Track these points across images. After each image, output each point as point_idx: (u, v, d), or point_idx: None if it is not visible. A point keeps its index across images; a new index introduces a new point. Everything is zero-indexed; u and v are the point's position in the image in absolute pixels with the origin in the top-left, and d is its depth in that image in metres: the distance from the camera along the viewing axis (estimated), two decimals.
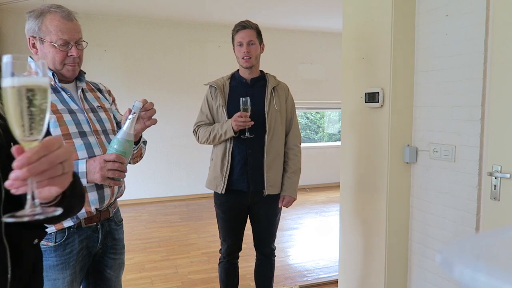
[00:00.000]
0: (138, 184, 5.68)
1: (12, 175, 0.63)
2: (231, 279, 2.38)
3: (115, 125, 1.59)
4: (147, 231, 4.52)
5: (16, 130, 0.64)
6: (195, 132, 2.27)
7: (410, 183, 2.20)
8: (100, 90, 1.63)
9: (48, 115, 0.66)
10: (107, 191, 1.45)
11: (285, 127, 2.25)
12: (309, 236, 4.43)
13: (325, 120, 9.14)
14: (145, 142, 1.65)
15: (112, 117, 1.59)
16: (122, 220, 1.65)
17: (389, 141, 2.15)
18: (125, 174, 1.36)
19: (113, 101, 1.69)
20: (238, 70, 2.26)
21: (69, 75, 1.44)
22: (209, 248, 3.94)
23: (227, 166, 2.16)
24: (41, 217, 0.65)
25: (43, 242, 1.35)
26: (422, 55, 2.07)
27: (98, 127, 1.48)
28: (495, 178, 1.71)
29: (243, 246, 2.37)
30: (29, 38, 1.40)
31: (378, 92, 2.17)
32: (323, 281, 3.20)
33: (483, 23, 1.74)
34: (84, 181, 1.34)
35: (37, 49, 1.40)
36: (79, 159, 1.37)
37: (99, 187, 1.42)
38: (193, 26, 6.00)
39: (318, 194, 6.42)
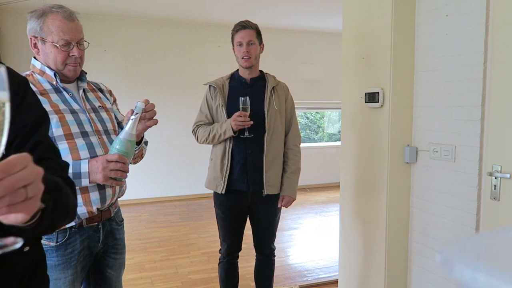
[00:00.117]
0: (138, 184, 5.68)
1: None
2: (231, 279, 2.38)
3: (116, 125, 1.60)
4: (147, 231, 4.52)
5: None
6: (194, 132, 2.27)
7: (410, 183, 2.20)
8: (101, 90, 1.64)
9: (6, 133, 0.57)
10: (108, 191, 1.45)
11: (285, 127, 2.25)
12: (309, 236, 4.43)
13: (325, 120, 9.15)
14: (146, 143, 1.66)
15: (113, 117, 1.60)
16: (123, 220, 1.66)
17: (389, 141, 2.15)
18: (127, 174, 1.37)
19: (114, 101, 1.69)
20: (237, 70, 2.26)
21: (71, 75, 1.44)
22: (209, 248, 3.94)
23: (227, 166, 2.16)
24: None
25: (44, 242, 1.35)
26: (422, 55, 2.08)
27: (100, 127, 1.48)
28: (495, 178, 1.71)
29: (243, 246, 2.37)
30: (30, 38, 1.40)
31: (378, 92, 2.17)
32: (323, 281, 3.20)
33: (483, 23, 1.75)
34: (86, 181, 1.34)
35: (38, 49, 1.40)
36: (81, 159, 1.37)
37: (100, 187, 1.42)
38: (193, 26, 6.00)
39: (318, 194, 6.42)
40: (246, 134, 2.08)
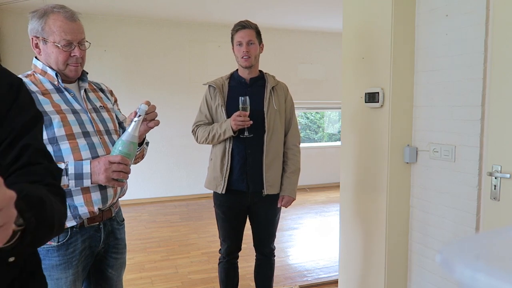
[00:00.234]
0: (138, 184, 5.68)
1: None
2: (231, 279, 2.38)
3: (117, 125, 1.60)
4: (147, 231, 4.52)
5: None
6: (194, 132, 2.27)
7: (410, 183, 2.20)
8: (102, 90, 1.64)
9: None
10: (110, 191, 1.46)
11: (284, 127, 2.26)
12: (309, 236, 4.43)
13: (325, 120, 9.14)
14: (147, 143, 1.67)
15: (114, 117, 1.60)
16: (123, 219, 1.66)
17: (389, 141, 2.15)
18: (128, 175, 1.38)
19: (115, 101, 1.69)
20: (237, 70, 2.27)
21: (72, 75, 1.44)
22: (209, 248, 3.94)
23: (227, 166, 2.16)
24: None
25: None
26: (422, 55, 2.08)
27: (101, 127, 1.49)
28: (495, 178, 1.71)
29: (243, 246, 2.38)
30: (32, 38, 1.40)
31: (378, 92, 2.18)
32: (323, 281, 3.20)
33: (483, 23, 1.75)
34: (88, 182, 1.35)
35: (40, 49, 1.41)
36: (82, 159, 1.38)
37: (102, 188, 1.42)
38: (193, 26, 5.99)
39: (318, 194, 6.42)
40: (246, 134, 2.08)
